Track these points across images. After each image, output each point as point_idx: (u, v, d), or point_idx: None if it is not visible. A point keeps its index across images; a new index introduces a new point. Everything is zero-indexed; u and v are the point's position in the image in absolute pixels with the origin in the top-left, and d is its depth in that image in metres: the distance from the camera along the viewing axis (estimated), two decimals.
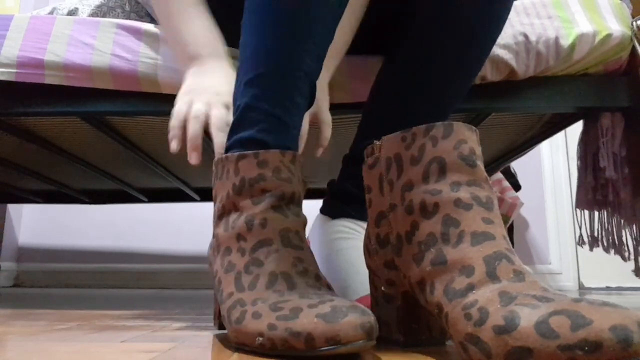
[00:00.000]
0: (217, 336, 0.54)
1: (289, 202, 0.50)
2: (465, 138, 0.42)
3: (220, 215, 0.52)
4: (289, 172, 0.51)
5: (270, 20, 0.54)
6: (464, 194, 0.41)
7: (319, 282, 0.47)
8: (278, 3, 0.54)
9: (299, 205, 0.52)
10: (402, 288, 0.46)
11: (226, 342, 0.50)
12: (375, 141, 0.48)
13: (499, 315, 0.34)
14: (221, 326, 0.54)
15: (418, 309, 0.46)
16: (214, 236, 0.53)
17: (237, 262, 0.48)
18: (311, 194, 1.74)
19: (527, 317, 0.32)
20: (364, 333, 0.38)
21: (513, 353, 0.32)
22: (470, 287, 0.37)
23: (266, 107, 0.53)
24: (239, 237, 0.49)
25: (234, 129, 0.54)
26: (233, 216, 0.50)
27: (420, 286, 0.41)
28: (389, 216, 0.45)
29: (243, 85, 0.55)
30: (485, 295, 0.36)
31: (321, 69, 0.58)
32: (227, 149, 0.54)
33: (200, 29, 0.69)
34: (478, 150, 0.43)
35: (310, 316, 0.39)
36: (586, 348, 0.30)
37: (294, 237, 0.49)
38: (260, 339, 0.41)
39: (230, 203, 0.51)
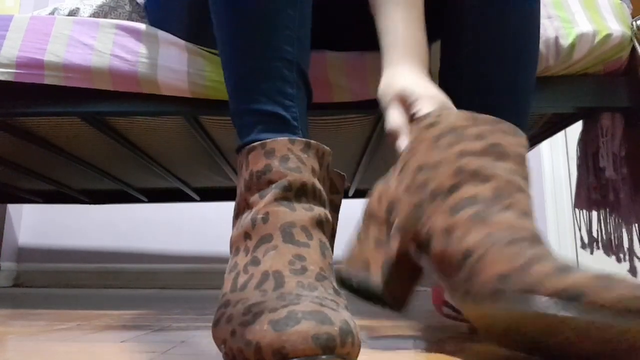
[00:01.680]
0: None
1: (299, 194, 0.45)
2: (526, 144, 0.48)
3: (236, 215, 0.48)
4: (299, 161, 0.46)
5: (238, 14, 0.52)
6: (519, 180, 0.45)
7: (320, 282, 0.41)
8: None
9: (315, 197, 0.46)
10: (401, 238, 0.48)
11: None
12: (443, 111, 0.50)
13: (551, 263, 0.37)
14: None
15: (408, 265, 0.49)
16: None
17: (239, 262, 0.44)
18: None
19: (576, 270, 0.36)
20: (318, 346, 0.31)
21: (565, 290, 0.34)
22: (516, 241, 0.39)
23: (257, 107, 0.51)
24: (246, 235, 0.45)
25: (238, 134, 0.53)
26: (244, 214, 0.46)
27: (445, 233, 0.43)
28: (431, 168, 0.47)
29: (230, 89, 0.53)
30: (534, 250, 0.39)
31: (308, 54, 0.55)
32: (237, 151, 0.52)
33: None
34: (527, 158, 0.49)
35: (263, 323, 0.34)
36: None
37: (298, 233, 0.43)
38: (223, 346, 0.37)
39: (242, 201, 0.47)
